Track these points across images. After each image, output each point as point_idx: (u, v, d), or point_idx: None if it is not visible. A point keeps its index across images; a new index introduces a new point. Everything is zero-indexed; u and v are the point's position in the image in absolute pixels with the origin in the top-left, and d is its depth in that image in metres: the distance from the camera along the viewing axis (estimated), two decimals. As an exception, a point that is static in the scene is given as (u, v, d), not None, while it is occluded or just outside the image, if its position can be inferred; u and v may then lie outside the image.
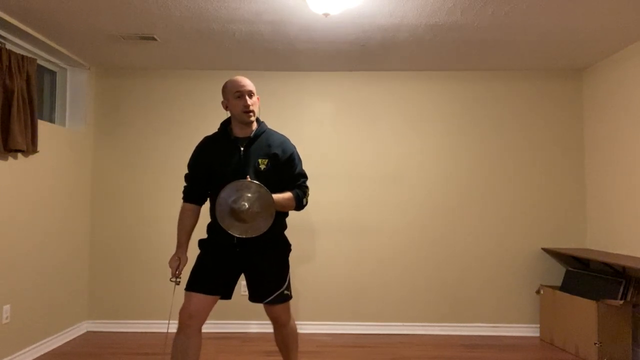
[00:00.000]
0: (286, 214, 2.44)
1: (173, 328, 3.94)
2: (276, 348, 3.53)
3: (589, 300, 3.34)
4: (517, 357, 3.42)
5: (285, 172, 2.34)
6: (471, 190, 4.06)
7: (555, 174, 4.05)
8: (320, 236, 4.04)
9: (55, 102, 3.92)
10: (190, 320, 2.20)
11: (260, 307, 4.13)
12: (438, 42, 3.41)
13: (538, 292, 3.90)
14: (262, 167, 2.28)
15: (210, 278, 2.28)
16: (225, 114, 2.42)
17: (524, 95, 4.10)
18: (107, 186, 4.08)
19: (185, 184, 2.46)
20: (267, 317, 3.91)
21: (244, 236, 2.20)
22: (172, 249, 4.04)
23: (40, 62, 3.59)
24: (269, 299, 2.32)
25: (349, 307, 4.01)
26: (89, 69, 3.99)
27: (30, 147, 3.14)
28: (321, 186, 4.06)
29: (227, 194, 2.17)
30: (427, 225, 4.06)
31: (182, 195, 2.49)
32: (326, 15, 2.69)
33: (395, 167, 4.08)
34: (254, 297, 2.36)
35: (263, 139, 2.34)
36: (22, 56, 3.08)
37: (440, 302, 4.01)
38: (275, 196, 2.20)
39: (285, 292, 2.36)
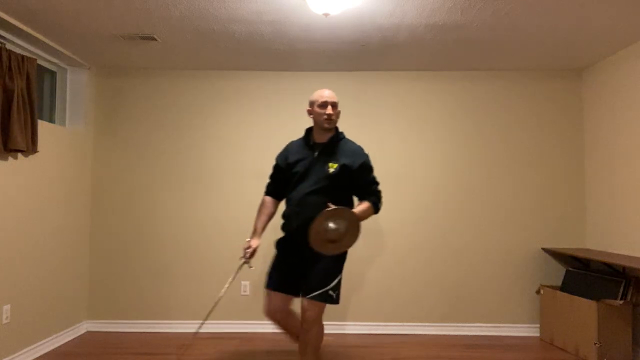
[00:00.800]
0: None
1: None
2: (276, 348, 3.55)
3: (589, 300, 3.34)
4: (517, 357, 3.42)
5: (358, 180, 2.60)
6: (471, 190, 4.06)
7: (555, 174, 4.05)
8: (320, 236, 4.04)
9: (55, 102, 3.92)
10: (275, 315, 2.58)
11: (259, 307, 4.12)
12: (438, 42, 3.41)
13: (538, 292, 3.90)
14: (331, 170, 2.55)
15: (283, 278, 2.59)
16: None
17: (524, 95, 4.10)
18: (107, 186, 4.08)
19: (269, 179, 2.77)
20: (266, 317, 3.87)
21: (336, 253, 2.45)
22: (172, 248, 4.06)
23: (40, 62, 3.59)
24: (312, 295, 2.47)
25: (350, 307, 4.01)
26: (89, 69, 3.99)
27: (30, 147, 3.14)
28: (321, 186, 4.06)
29: (316, 224, 2.37)
30: (427, 225, 4.05)
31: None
32: (326, 15, 2.69)
33: (395, 167, 4.08)
34: (303, 291, 2.55)
35: (337, 146, 2.63)
36: (22, 56, 3.08)
37: (440, 302, 4.01)
38: (357, 212, 2.46)
39: (330, 292, 2.49)
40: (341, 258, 2.58)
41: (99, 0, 2.76)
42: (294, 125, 4.11)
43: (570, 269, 3.80)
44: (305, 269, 2.55)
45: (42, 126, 3.36)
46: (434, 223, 4.05)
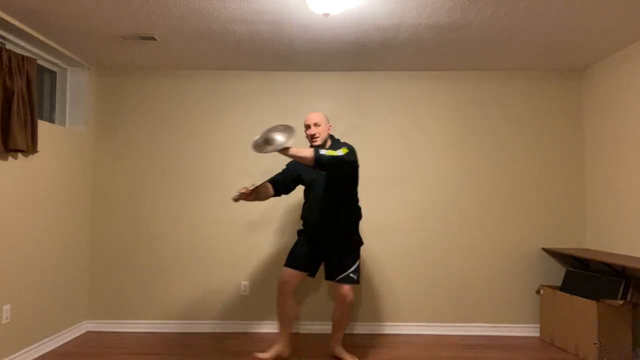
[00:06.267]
0: (355, 215, 3.19)
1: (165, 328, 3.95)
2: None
3: (589, 300, 3.34)
4: (517, 357, 3.42)
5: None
6: (471, 190, 4.06)
7: (555, 174, 4.05)
8: (320, 236, 4.04)
9: (55, 102, 3.92)
10: (284, 286, 3.09)
11: (259, 306, 4.12)
12: (438, 42, 3.41)
13: (538, 292, 3.90)
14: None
15: (300, 259, 3.13)
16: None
17: (524, 95, 4.10)
18: (107, 186, 4.08)
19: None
20: (266, 318, 3.99)
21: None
22: (172, 248, 4.06)
23: (40, 62, 3.59)
24: (336, 279, 3.08)
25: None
26: (89, 69, 3.99)
27: (30, 147, 3.14)
28: (321, 186, 4.06)
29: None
30: (427, 225, 4.05)
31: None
32: (326, 15, 2.69)
33: (395, 167, 4.08)
34: (327, 276, 3.17)
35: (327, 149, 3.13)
36: (22, 56, 3.08)
37: (440, 302, 4.01)
38: (294, 150, 2.91)
39: (351, 275, 3.08)
40: (357, 246, 3.16)
41: (99, 0, 2.76)
42: (294, 125, 4.10)
43: (570, 269, 3.80)
44: (326, 257, 3.15)
45: (42, 126, 3.36)
46: (433, 223, 4.05)
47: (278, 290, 3.14)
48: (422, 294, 4.02)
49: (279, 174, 3.29)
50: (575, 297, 3.48)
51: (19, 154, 3.14)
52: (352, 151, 2.99)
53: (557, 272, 3.99)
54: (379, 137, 4.10)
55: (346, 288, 3.06)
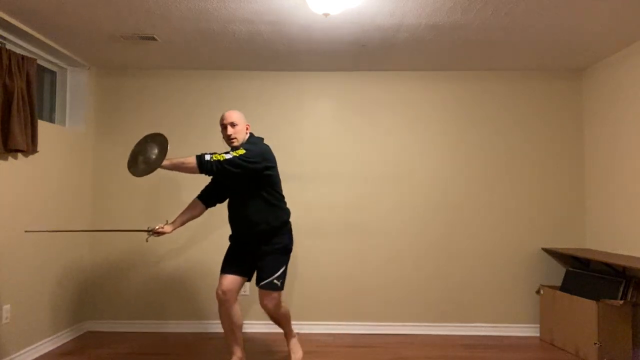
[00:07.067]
0: (276, 218, 2.91)
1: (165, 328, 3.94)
2: (276, 349, 3.56)
3: (589, 300, 3.34)
4: (517, 357, 3.42)
5: None
6: (471, 190, 4.06)
7: (555, 174, 4.05)
8: (320, 236, 4.04)
9: (55, 102, 3.92)
10: (225, 295, 2.84)
11: (259, 306, 4.15)
12: (438, 42, 3.41)
13: (538, 292, 3.90)
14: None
15: (234, 264, 2.93)
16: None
17: (524, 95, 4.10)
18: (107, 186, 4.08)
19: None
20: (266, 318, 4.00)
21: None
22: (172, 248, 4.06)
23: (40, 62, 3.59)
24: (259, 284, 2.88)
25: (349, 307, 4.01)
26: (89, 69, 3.99)
27: (30, 147, 3.14)
28: (321, 186, 4.06)
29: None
30: (427, 225, 4.06)
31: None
32: (326, 15, 2.69)
33: (395, 167, 4.08)
34: (256, 281, 2.94)
35: None
36: (22, 56, 3.08)
37: (440, 302, 4.01)
38: (172, 160, 2.68)
39: (275, 281, 2.87)
40: (285, 251, 2.94)
41: (99, 0, 2.76)
42: (294, 125, 4.12)
43: (570, 269, 3.80)
44: (254, 260, 2.94)
45: (42, 126, 3.36)
46: (433, 223, 4.05)
47: (219, 301, 2.85)
48: (421, 293, 4.02)
49: (208, 183, 3.13)
50: (575, 297, 3.48)
51: (19, 154, 3.14)
52: (252, 153, 2.74)
53: (557, 272, 3.99)
54: (378, 137, 4.09)
55: (265, 299, 2.86)
